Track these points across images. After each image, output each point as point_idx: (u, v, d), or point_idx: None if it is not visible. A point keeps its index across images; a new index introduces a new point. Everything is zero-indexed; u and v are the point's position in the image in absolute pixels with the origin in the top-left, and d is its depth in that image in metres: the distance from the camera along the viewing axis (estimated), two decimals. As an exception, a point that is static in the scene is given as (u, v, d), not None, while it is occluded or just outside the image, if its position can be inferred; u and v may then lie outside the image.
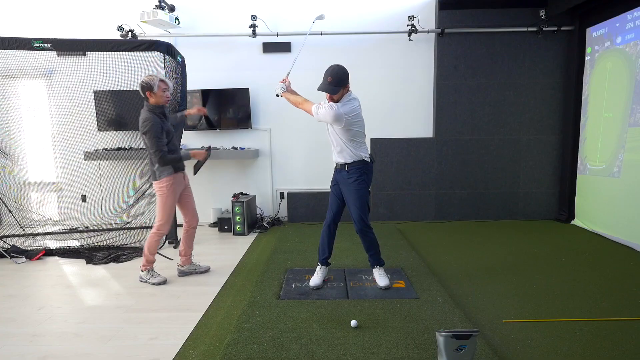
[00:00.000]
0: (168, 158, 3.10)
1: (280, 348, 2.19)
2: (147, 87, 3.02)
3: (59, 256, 3.99)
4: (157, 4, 4.65)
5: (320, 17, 3.35)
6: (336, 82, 2.75)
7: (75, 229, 5.00)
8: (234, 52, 5.15)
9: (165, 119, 3.14)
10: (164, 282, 3.30)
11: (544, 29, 4.80)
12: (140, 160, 4.78)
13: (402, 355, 2.11)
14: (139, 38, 4.88)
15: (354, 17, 5.04)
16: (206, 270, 3.52)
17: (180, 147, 4.58)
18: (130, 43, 3.91)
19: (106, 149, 5.02)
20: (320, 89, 2.79)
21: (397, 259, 3.66)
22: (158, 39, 4.35)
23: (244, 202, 4.74)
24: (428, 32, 4.94)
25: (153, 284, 3.28)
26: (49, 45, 3.70)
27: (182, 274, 3.46)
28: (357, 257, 3.73)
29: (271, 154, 5.33)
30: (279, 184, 5.39)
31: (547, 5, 4.75)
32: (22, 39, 3.69)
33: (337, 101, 2.81)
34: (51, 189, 5.38)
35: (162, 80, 3.06)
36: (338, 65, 2.79)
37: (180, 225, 4.90)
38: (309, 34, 3.89)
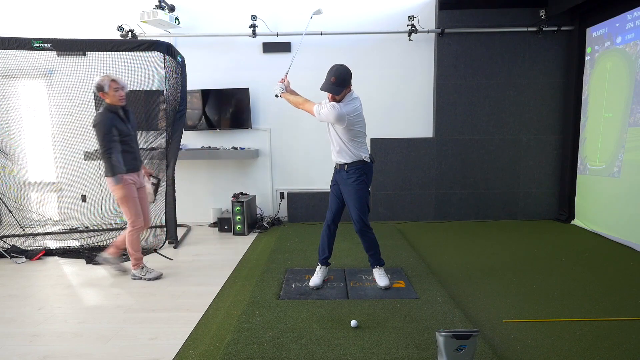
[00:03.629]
0: (108, 162, 3.06)
1: (280, 348, 2.19)
2: (98, 88, 3.06)
3: (59, 256, 3.99)
4: (157, 4, 4.66)
5: (318, 12, 3.31)
6: (339, 82, 2.74)
7: (75, 229, 5.01)
8: (234, 52, 5.15)
9: (123, 120, 3.14)
10: (159, 277, 3.35)
11: (544, 29, 4.80)
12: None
13: (402, 355, 2.11)
14: (139, 38, 4.89)
15: (354, 17, 5.04)
16: (124, 272, 3.46)
17: (181, 147, 4.59)
18: (130, 43, 3.91)
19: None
20: (323, 88, 2.78)
21: (397, 259, 3.66)
22: (158, 39, 4.35)
23: (244, 202, 4.74)
24: (428, 32, 4.94)
25: (149, 279, 3.30)
26: (49, 45, 3.70)
27: (101, 260, 3.46)
28: (357, 257, 3.73)
29: (271, 154, 5.33)
30: (279, 184, 5.39)
31: (547, 5, 4.75)
32: (22, 39, 3.68)
33: (339, 101, 2.80)
34: (51, 189, 5.38)
35: (113, 80, 3.07)
36: (342, 65, 2.77)
37: (181, 225, 4.93)
38: (307, 33, 3.89)
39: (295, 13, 5.04)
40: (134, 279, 3.34)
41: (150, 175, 3.58)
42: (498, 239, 4.39)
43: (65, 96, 5.05)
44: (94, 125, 3.03)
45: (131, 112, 3.27)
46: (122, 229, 4.54)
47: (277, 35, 4.97)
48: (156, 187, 3.58)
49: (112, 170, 3.06)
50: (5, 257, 3.92)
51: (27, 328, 2.55)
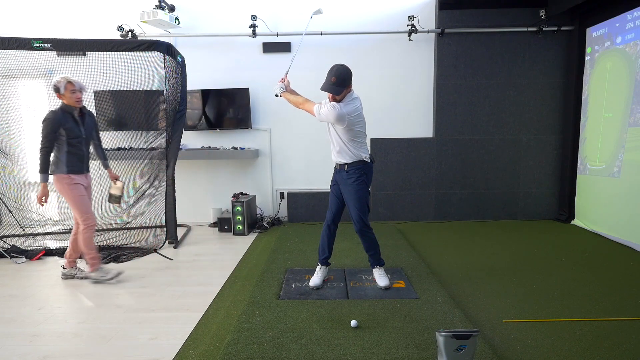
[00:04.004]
0: (42, 158, 3.07)
1: (280, 348, 2.19)
2: (55, 89, 3.08)
3: (59, 256, 3.98)
4: (157, 4, 4.66)
5: (318, 12, 3.29)
6: (340, 82, 2.73)
7: (75, 229, 5.00)
8: (234, 52, 5.15)
9: (77, 121, 3.15)
10: (119, 274, 3.35)
11: (544, 29, 4.80)
12: (140, 160, 4.77)
13: (402, 355, 2.11)
14: (139, 38, 4.89)
15: (354, 17, 5.04)
16: (86, 277, 3.39)
17: (181, 147, 4.59)
18: (130, 43, 3.91)
19: (106, 149, 4.98)
20: (324, 89, 2.77)
21: (397, 259, 3.66)
22: (158, 39, 4.35)
23: (244, 202, 4.74)
24: (428, 32, 4.94)
25: (110, 279, 3.28)
26: (49, 45, 3.70)
27: (65, 276, 3.40)
28: (357, 257, 3.73)
29: (271, 154, 5.33)
30: (279, 184, 5.39)
31: (547, 5, 4.75)
32: (22, 39, 3.68)
33: (339, 101, 2.80)
34: (51, 189, 5.35)
35: (70, 82, 3.08)
36: (342, 65, 2.77)
37: (181, 225, 4.93)
38: (307, 33, 3.89)
39: (295, 13, 5.04)
40: (96, 282, 3.27)
41: (116, 179, 3.59)
42: (498, 239, 4.39)
43: (65, 96, 5.04)
44: (42, 121, 3.05)
45: (89, 116, 3.28)
46: (122, 229, 4.55)
47: (277, 35, 4.96)
48: (121, 190, 3.60)
49: (41, 168, 3.08)
50: (5, 257, 3.92)
51: (27, 328, 2.55)
